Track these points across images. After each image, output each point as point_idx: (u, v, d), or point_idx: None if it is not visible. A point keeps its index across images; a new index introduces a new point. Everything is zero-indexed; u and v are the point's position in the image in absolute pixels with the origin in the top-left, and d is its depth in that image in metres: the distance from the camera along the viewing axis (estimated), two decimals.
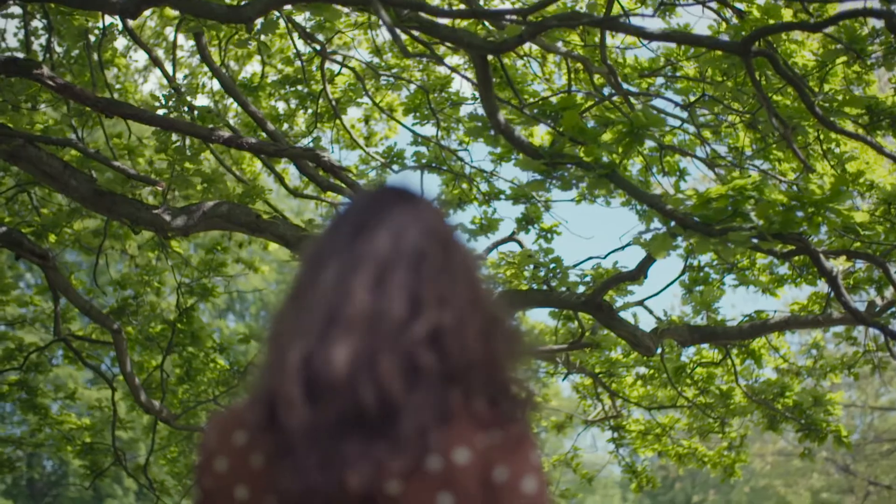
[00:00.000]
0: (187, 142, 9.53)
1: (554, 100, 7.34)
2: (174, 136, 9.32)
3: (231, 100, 11.57)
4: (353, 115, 13.93)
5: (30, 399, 12.95)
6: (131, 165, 10.21)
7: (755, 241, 5.74)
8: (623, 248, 10.42)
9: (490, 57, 7.21)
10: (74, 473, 12.91)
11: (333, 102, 11.88)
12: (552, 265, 9.86)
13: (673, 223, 5.92)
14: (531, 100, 7.54)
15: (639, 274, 9.11)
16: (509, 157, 12.85)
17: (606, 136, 6.41)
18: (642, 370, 13.10)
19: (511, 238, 10.80)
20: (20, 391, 12.88)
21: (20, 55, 9.37)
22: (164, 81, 10.93)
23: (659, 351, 11.82)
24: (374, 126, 14.22)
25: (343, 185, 7.95)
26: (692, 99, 8.77)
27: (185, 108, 8.97)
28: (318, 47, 11.46)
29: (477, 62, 6.77)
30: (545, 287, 9.79)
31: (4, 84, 8.77)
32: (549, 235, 12.04)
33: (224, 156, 12.22)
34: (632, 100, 9.55)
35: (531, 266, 10.03)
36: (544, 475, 2.26)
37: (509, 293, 9.81)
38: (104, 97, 8.37)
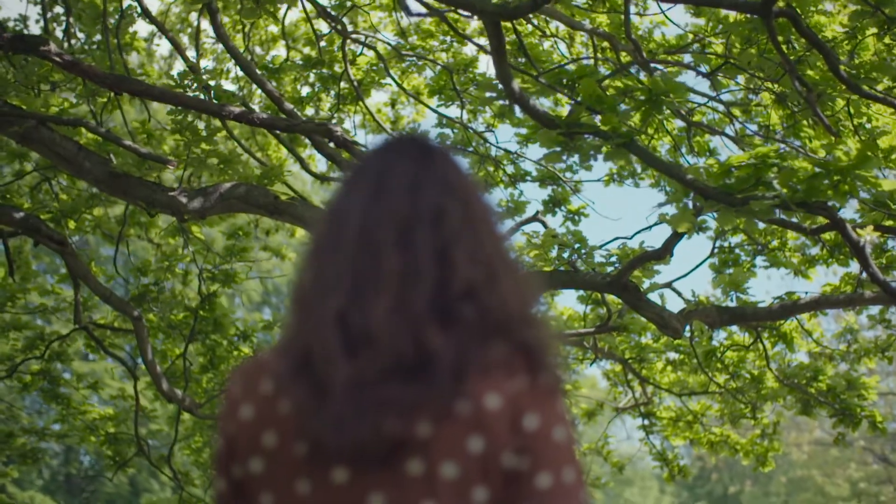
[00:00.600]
0: (202, 124, 9.35)
1: (571, 67, 7.13)
2: (190, 117, 9.13)
3: (256, 85, 11.39)
4: (378, 98, 13.68)
5: (52, 389, 12.82)
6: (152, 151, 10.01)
7: (779, 211, 5.53)
8: (650, 227, 10.26)
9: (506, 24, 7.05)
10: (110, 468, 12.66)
11: (356, 83, 11.68)
12: (576, 245, 9.63)
13: (693, 194, 5.71)
14: (548, 69, 7.30)
15: (664, 252, 8.87)
16: (535, 138, 12.67)
17: (626, 105, 6.20)
18: (672, 355, 12.88)
19: (535, 218, 10.60)
20: (42, 380, 12.75)
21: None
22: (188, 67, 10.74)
23: (688, 335, 11.60)
24: (400, 110, 14.03)
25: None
26: (718, 73, 8.51)
27: (202, 87, 8.75)
28: (338, 27, 11.28)
29: (490, 29, 6.56)
30: (570, 268, 9.57)
31: (17, 64, 8.60)
32: (576, 217, 11.85)
33: (249, 142, 12.07)
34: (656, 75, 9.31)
35: (556, 247, 9.80)
36: (572, 425, 2.30)
37: (533, 274, 9.59)
38: (112, 73, 8.18)
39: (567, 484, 2.24)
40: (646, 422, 13.79)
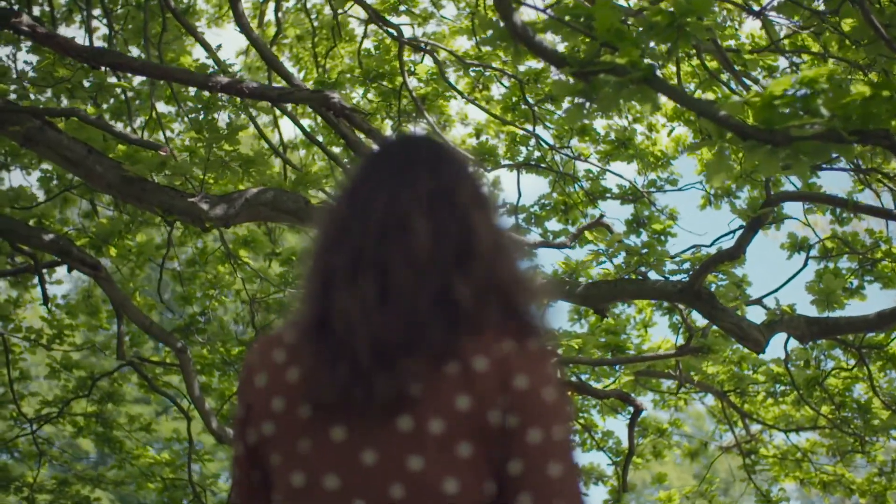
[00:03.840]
0: (224, 121, 8.56)
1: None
2: (210, 116, 8.36)
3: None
4: (461, 130, 12.68)
5: (105, 432, 12.05)
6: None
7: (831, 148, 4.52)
8: (731, 233, 9.19)
9: None
10: None
11: (413, 94, 10.83)
12: (644, 250, 8.63)
13: (730, 135, 4.75)
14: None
15: (738, 252, 7.88)
16: (617, 156, 11.70)
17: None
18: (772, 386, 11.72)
19: (599, 222, 9.58)
20: (96, 424, 11.99)
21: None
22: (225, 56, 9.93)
23: (784, 357, 10.49)
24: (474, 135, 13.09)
25: (364, 133, 6.88)
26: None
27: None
28: (393, 32, 10.45)
29: None
30: (638, 277, 8.58)
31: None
32: (661, 238, 10.82)
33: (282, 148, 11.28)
34: None
35: (622, 254, 8.82)
36: (563, 389, 2.45)
37: (597, 284, 8.62)
38: (90, 46, 7.43)
39: (557, 440, 2.38)
40: (747, 460, 12.57)
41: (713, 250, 8.99)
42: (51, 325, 11.56)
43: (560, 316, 10.81)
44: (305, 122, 11.65)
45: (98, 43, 10.70)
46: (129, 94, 10.40)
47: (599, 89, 5.06)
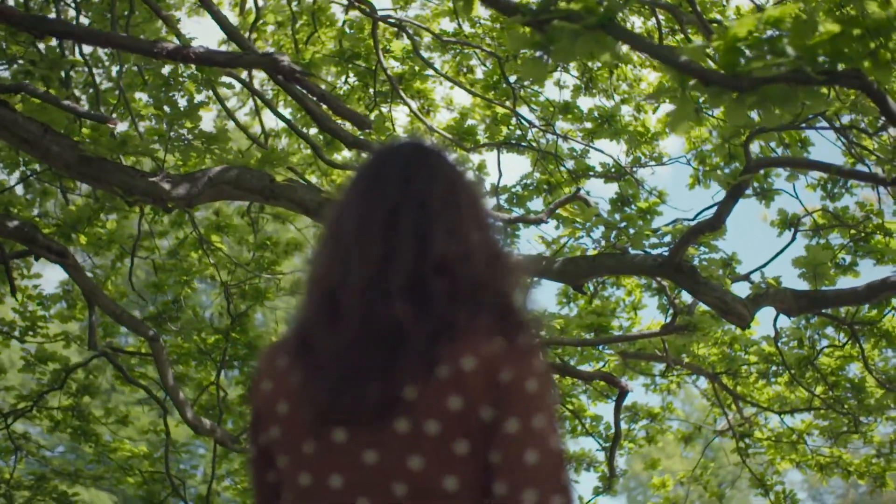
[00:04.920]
0: (184, 101, 8.23)
1: None
2: (171, 94, 8.04)
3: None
4: (446, 115, 12.28)
5: (82, 426, 11.72)
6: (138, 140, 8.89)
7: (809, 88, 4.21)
8: (714, 205, 8.87)
9: None
10: None
11: (388, 73, 10.51)
12: (622, 224, 8.33)
13: (693, 82, 4.44)
14: None
15: (718, 221, 7.57)
16: (601, 133, 11.38)
17: None
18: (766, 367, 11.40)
19: (576, 196, 9.26)
20: (72, 418, 11.67)
21: None
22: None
23: (773, 335, 10.19)
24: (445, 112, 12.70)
25: (317, 97, 6.56)
26: None
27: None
28: (366, 8, 10.12)
29: None
30: (616, 251, 8.26)
31: None
32: (647, 217, 10.51)
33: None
34: None
35: (600, 228, 8.51)
36: (549, 380, 2.54)
37: (574, 260, 8.31)
38: (31, 14, 7.13)
39: (536, 429, 2.43)
40: (740, 444, 12.25)
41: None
42: (23, 316, 11.26)
43: (547, 298, 10.53)
44: (286, 112, 11.35)
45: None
46: (98, 76, 10.13)
47: (555, 40, 4.76)
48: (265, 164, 8.44)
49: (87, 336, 11.03)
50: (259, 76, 11.59)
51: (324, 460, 2.49)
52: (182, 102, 8.31)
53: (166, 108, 8.30)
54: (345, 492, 2.47)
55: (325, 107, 7.27)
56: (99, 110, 9.80)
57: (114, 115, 7.41)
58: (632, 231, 8.32)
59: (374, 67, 10.93)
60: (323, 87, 10.34)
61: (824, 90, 4.40)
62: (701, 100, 4.88)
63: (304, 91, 6.63)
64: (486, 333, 2.48)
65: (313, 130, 10.71)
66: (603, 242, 8.54)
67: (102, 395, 11.75)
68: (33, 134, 7.88)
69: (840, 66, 4.16)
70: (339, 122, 8.38)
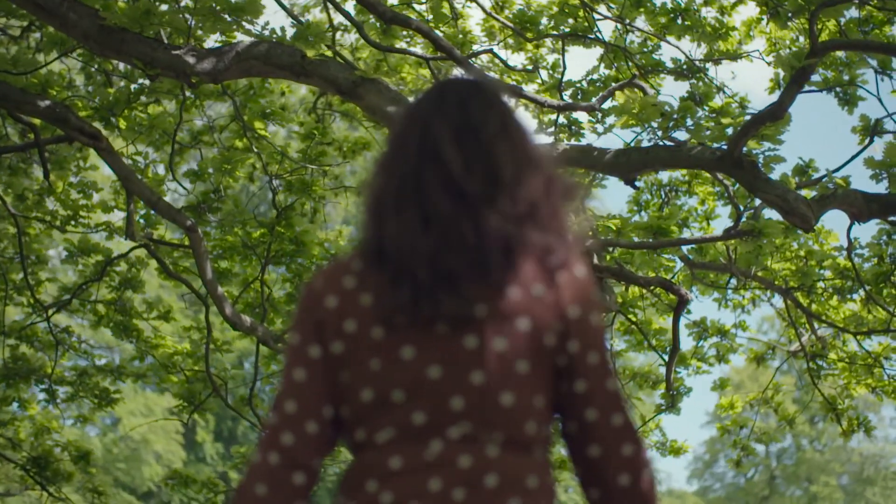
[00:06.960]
0: None
1: None
2: None
3: None
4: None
5: (124, 321, 11.30)
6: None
7: None
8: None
9: None
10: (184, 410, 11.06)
11: None
12: (677, 115, 7.70)
13: None
14: None
15: (780, 110, 6.95)
16: (674, 29, 10.65)
17: None
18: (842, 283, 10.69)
19: (632, 82, 8.61)
20: (115, 312, 11.25)
21: None
22: None
23: (846, 245, 9.49)
24: None
25: None
26: None
27: None
28: None
29: None
30: (672, 143, 7.64)
31: None
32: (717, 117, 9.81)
33: None
34: None
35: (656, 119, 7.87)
36: (602, 311, 2.84)
37: (626, 152, 7.70)
38: None
39: (606, 361, 2.72)
40: (810, 364, 11.55)
41: None
42: (65, 205, 10.84)
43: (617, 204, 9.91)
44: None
45: None
46: None
47: None
48: (299, 39, 7.91)
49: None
50: None
51: (388, 376, 2.61)
52: None
53: None
54: (404, 405, 2.60)
55: None
56: None
57: None
58: (689, 122, 7.68)
59: None
60: None
61: None
62: None
63: None
64: (551, 261, 2.65)
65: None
66: (660, 133, 7.91)
67: (144, 290, 11.25)
68: (51, 2, 7.45)
69: None
70: None
